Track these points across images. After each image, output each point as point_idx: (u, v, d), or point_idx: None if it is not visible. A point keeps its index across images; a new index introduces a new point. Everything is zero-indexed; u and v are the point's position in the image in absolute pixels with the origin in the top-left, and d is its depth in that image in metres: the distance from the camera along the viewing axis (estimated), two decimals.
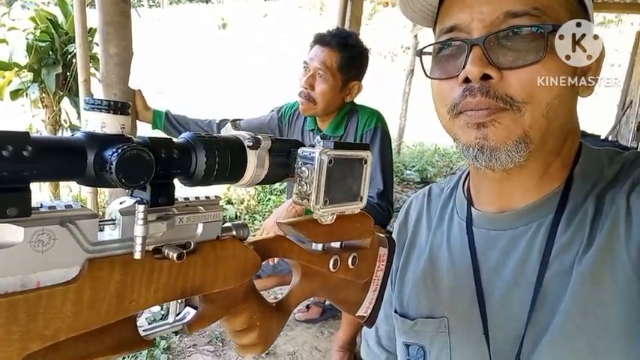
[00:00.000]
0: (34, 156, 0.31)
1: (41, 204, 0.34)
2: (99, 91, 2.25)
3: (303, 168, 0.45)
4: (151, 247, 0.40)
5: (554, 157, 0.63)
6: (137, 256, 0.37)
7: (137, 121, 2.20)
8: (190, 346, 2.21)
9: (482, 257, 0.68)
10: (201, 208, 0.44)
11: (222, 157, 0.43)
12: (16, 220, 0.31)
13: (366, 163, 0.49)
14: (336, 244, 0.63)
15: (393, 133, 8.22)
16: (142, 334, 0.42)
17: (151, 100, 2.18)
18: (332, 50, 1.81)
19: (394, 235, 0.86)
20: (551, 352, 0.57)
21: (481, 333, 0.65)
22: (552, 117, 0.57)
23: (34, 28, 2.71)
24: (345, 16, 3.65)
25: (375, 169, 1.83)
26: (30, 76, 2.72)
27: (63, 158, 0.33)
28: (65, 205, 0.35)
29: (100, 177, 0.35)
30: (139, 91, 2.13)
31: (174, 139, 0.41)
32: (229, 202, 4.13)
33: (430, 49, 0.65)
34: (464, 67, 0.57)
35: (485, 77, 0.56)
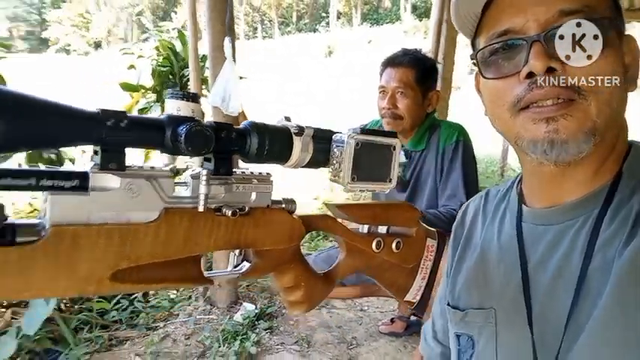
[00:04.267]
0: (128, 127, 0.43)
1: (132, 164, 0.46)
2: (208, 110, 2.55)
3: (336, 150, 0.54)
4: (213, 206, 0.51)
5: (610, 150, 0.64)
6: (200, 209, 0.48)
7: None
8: (279, 344, 2.35)
9: (530, 251, 0.69)
10: (255, 180, 0.55)
11: (271, 140, 0.53)
12: (114, 172, 0.44)
13: (394, 149, 0.56)
14: (382, 230, 0.70)
15: (496, 155, 7.86)
16: (205, 274, 0.52)
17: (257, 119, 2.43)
18: (405, 68, 1.87)
19: (451, 235, 0.89)
20: (590, 344, 0.58)
21: (525, 324, 0.66)
22: (614, 106, 0.59)
23: (157, 56, 3.14)
24: (440, 36, 3.65)
25: (458, 183, 1.83)
26: (154, 96, 3.16)
27: (149, 131, 0.46)
28: (150, 167, 0.47)
29: (174, 146, 0.47)
30: (243, 111, 2.38)
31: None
32: None
33: (479, 55, 0.67)
34: (525, 64, 0.59)
35: (549, 70, 0.58)
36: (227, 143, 0.51)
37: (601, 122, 0.58)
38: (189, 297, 2.81)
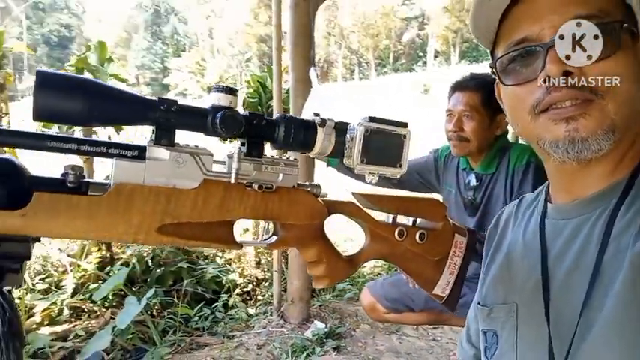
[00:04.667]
0: (177, 112, 0.56)
1: (180, 143, 0.58)
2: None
3: (348, 136, 0.62)
4: (244, 182, 0.61)
5: (630, 145, 0.64)
6: (232, 181, 0.59)
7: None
8: None
9: (550, 245, 0.71)
10: (282, 164, 0.64)
11: (297, 129, 0.63)
12: (165, 147, 0.56)
13: (404, 137, 0.63)
14: (407, 221, 0.76)
15: None
16: (237, 240, 0.62)
17: None
18: (472, 91, 1.88)
19: (485, 239, 0.91)
20: (603, 332, 0.58)
21: (542, 316, 0.67)
22: (631, 104, 0.61)
23: (247, 88, 3.44)
24: None
25: None
26: None
27: (194, 116, 0.58)
28: (194, 146, 0.59)
29: (213, 129, 0.58)
30: None
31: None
32: None
33: (498, 65, 0.71)
34: (542, 69, 0.63)
35: (566, 74, 0.61)
36: (258, 129, 0.61)
37: (619, 120, 0.60)
38: (265, 312, 2.95)
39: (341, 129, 0.64)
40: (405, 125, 0.63)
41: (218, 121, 0.57)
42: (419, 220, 0.77)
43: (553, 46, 0.62)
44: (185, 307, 2.70)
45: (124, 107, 0.53)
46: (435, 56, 39.77)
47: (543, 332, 0.66)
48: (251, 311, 2.98)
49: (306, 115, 2.17)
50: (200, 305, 2.82)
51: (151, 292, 2.40)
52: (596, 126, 0.60)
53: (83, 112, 0.50)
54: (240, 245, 0.63)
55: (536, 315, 0.68)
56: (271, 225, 0.67)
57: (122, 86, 0.63)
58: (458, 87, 1.96)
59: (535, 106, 0.65)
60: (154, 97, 0.55)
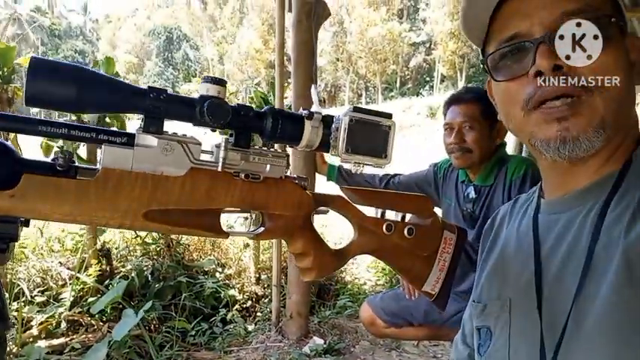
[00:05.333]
0: (166, 100, 0.57)
1: (169, 131, 0.60)
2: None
3: (334, 126, 0.63)
4: (232, 171, 0.62)
5: (620, 141, 0.65)
6: (219, 169, 0.60)
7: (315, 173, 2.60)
8: None
9: (543, 239, 0.71)
10: (270, 155, 0.65)
11: (283, 123, 0.64)
12: (154, 134, 0.57)
13: (389, 128, 0.64)
14: (395, 216, 0.76)
15: None
16: (224, 229, 0.63)
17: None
18: (470, 103, 1.90)
19: (481, 239, 0.91)
20: (597, 323, 0.57)
21: (535, 308, 0.67)
22: (620, 99, 0.62)
23: (250, 103, 3.49)
24: None
25: None
26: None
27: (182, 105, 0.59)
28: (182, 134, 0.60)
29: (202, 118, 0.59)
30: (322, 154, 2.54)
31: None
32: None
33: (489, 62, 0.72)
34: (533, 64, 0.63)
35: (556, 69, 0.62)
36: (245, 120, 0.62)
37: (609, 116, 0.61)
38: (264, 328, 2.92)
39: (328, 122, 0.66)
40: (389, 116, 0.64)
41: (206, 109, 0.58)
42: (408, 216, 0.77)
43: (543, 42, 0.63)
44: (183, 322, 2.68)
45: (114, 95, 0.55)
46: (442, 80, 40.14)
47: (535, 325, 0.66)
48: (249, 327, 2.95)
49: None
50: (198, 320, 2.79)
51: (149, 304, 2.39)
52: (587, 124, 0.61)
53: (74, 99, 0.52)
54: (226, 234, 0.63)
55: (529, 308, 0.68)
56: (259, 217, 0.67)
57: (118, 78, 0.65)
58: (454, 101, 1.99)
59: (527, 102, 0.65)
60: (144, 86, 0.57)
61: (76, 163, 0.55)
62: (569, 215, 0.68)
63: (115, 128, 0.62)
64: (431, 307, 1.54)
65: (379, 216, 0.75)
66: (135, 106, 0.56)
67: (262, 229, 0.67)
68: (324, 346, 2.61)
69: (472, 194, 2.05)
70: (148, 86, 0.57)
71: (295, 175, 0.68)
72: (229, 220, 3.20)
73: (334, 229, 4.46)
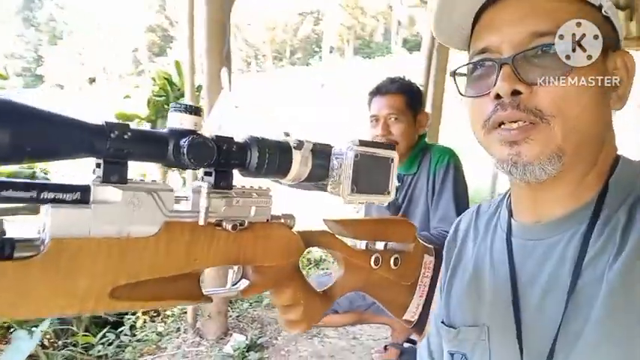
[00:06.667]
0: (131, 140, 0.43)
1: (134, 178, 0.46)
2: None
3: (335, 161, 0.54)
4: (213, 220, 0.51)
5: (590, 167, 0.64)
6: (201, 222, 0.48)
7: None
8: None
9: (520, 266, 0.70)
10: (255, 194, 0.55)
11: (271, 154, 0.54)
12: (116, 185, 0.44)
13: (392, 162, 0.57)
14: (380, 246, 0.70)
15: (487, 181, 7.98)
16: (204, 292, 0.52)
17: None
18: (394, 94, 1.93)
19: (444, 251, 0.89)
20: (585, 358, 0.57)
21: (514, 338, 0.66)
22: (583, 129, 0.60)
23: (153, 86, 3.17)
24: (431, 66, 3.74)
25: (449, 205, 1.85)
26: (148, 126, 3.17)
27: (152, 144, 0.46)
28: (151, 180, 0.47)
29: (176, 159, 0.47)
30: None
31: (236, 139, 0.53)
32: None
33: (464, 70, 0.69)
34: (495, 85, 0.61)
35: (515, 93, 0.60)
36: (228, 156, 0.51)
37: (567, 145, 0.59)
38: (178, 329, 2.74)
39: (320, 151, 0.57)
40: (392, 147, 0.57)
41: (185, 149, 0.46)
42: (390, 243, 0.72)
43: (507, 63, 0.60)
44: (85, 336, 2.40)
45: (62, 136, 0.40)
46: (330, 51, 40.80)
47: (516, 356, 0.65)
48: (161, 329, 2.75)
49: (215, 117, 2.02)
50: (104, 331, 2.52)
51: (45, 324, 2.07)
52: (539, 152, 0.59)
53: (4, 146, 0.37)
54: (209, 299, 0.52)
55: (509, 338, 0.67)
56: (241, 268, 0.57)
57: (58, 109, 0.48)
58: (379, 92, 1.98)
59: (487, 121, 0.63)
60: (100, 122, 0.43)
61: (9, 235, 0.40)
62: (547, 243, 0.67)
63: (63, 181, 0.47)
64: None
65: (364, 246, 0.68)
66: (90, 150, 0.42)
67: (247, 283, 0.56)
68: (247, 342, 2.53)
69: (395, 182, 2.09)
70: (106, 122, 0.43)
71: (280, 214, 0.59)
72: None
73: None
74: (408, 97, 1.92)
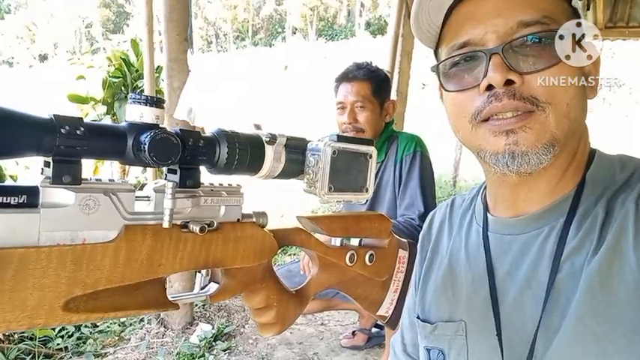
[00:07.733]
0: (85, 136, 0.39)
1: (89, 177, 0.42)
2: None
3: (311, 158, 0.51)
4: (179, 222, 0.47)
5: (571, 159, 0.65)
6: (165, 225, 0.44)
7: None
8: None
9: (497, 261, 0.69)
10: (224, 193, 0.51)
11: (242, 149, 0.50)
12: (69, 186, 0.39)
13: (370, 157, 0.54)
14: (355, 242, 0.68)
15: (449, 167, 8.14)
16: (170, 298, 0.48)
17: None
18: (361, 81, 1.90)
19: (418, 245, 0.88)
20: (563, 353, 0.57)
21: (494, 335, 0.65)
22: (572, 117, 0.60)
23: (109, 66, 3.02)
24: (397, 52, 3.72)
25: (416, 192, 1.85)
26: (104, 108, 3.02)
27: (108, 140, 0.41)
28: (109, 179, 0.42)
29: (137, 156, 0.42)
30: (202, 128, 2.31)
31: (203, 133, 0.49)
32: None
33: (441, 67, 0.67)
34: (484, 76, 0.60)
35: (508, 83, 0.59)
36: (194, 153, 0.47)
37: (560, 133, 0.59)
38: (142, 319, 2.66)
39: (294, 146, 0.53)
40: (370, 142, 0.54)
41: (147, 146, 0.41)
42: (365, 239, 0.70)
43: (497, 53, 0.59)
44: (42, 329, 2.30)
45: (4, 133, 0.35)
46: (294, 32, 40.32)
47: (496, 352, 0.65)
48: (123, 319, 2.67)
49: (184, 101, 1.93)
50: None
51: None
52: (537, 139, 0.59)
53: None
54: (176, 305, 0.48)
55: (488, 334, 0.66)
56: (209, 271, 0.53)
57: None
58: (345, 78, 1.95)
59: (476, 115, 0.62)
60: (49, 116, 0.38)
61: None
62: (524, 238, 0.67)
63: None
64: None
65: (338, 243, 0.66)
66: (38, 147, 0.37)
67: (216, 287, 0.53)
68: (213, 331, 2.49)
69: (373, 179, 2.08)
70: (55, 115, 0.38)
71: (252, 212, 0.55)
72: None
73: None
74: (375, 84, 1.90)
